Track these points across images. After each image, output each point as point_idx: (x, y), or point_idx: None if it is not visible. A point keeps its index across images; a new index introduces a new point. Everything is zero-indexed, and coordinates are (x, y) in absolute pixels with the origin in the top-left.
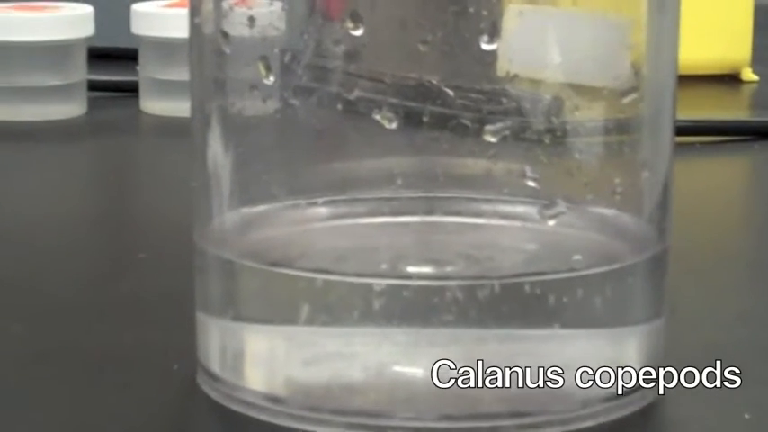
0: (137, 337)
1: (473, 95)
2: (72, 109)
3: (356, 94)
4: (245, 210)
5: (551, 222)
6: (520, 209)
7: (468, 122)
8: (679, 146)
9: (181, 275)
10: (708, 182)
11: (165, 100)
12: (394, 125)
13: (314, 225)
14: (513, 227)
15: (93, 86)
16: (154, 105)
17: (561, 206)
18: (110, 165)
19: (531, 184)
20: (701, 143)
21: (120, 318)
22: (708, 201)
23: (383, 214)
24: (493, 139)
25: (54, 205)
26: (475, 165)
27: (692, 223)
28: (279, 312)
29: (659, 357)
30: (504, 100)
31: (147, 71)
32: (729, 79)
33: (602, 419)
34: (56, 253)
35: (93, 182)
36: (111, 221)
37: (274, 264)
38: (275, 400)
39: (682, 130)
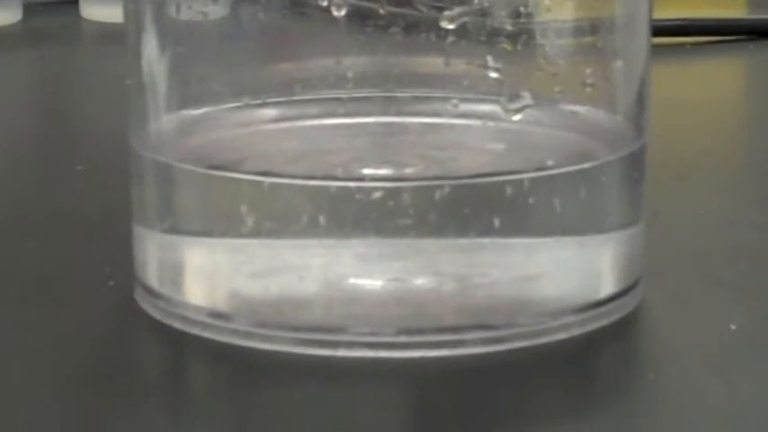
0: (71, 253)
1: None
2: (5, 16)
3: None
4: (185, 112)
5: (516, 117)
6: (484, 107)
7: (423, 9)
8: (669, 47)
9: (120, 188)
10: (699, 84)
11: (107, 5)
12: (343, 12)
13: (260, 127)
14: (476, 126)
15: None
16: (95, 11)
17: (526, 99)
18: (48, 76)
19: (494, 75)
20: (692, 44)
21: (53, 233)
22: (699, 104)
23: (336, 115)
24: (451, 26)
25: None
26: (433, 59)
27: (681, 128)
28: (221, 221)
29: (638, 267)
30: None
31: None
32: None
33: (574, 332)
34: None
35: (30, 94)
36: (49, 134)
37: (215, 167)
38: (219, 315)
39: (672, 29)
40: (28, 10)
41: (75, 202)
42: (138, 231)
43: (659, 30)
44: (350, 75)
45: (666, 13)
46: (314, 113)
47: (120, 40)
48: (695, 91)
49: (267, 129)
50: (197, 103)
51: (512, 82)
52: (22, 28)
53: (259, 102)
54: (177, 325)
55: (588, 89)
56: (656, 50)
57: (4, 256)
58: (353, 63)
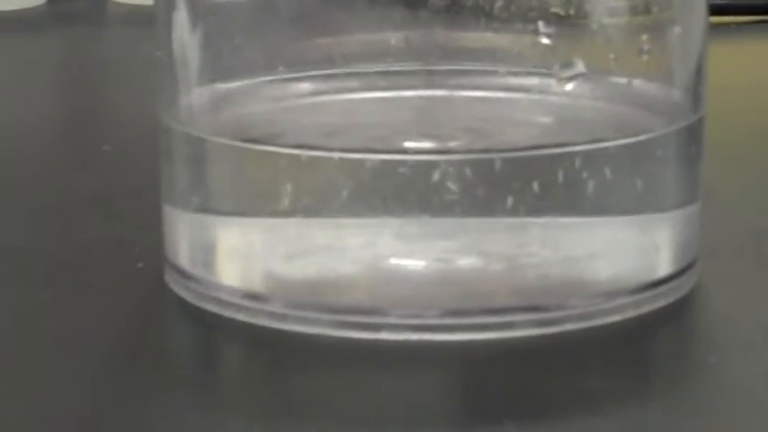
0: (98, 234)
1: None
2: None
3: None
4: (219, 85)
5: (569, 86)
6: (532, 80)
7: None
8: (714, 26)
9: (148, 169)
10: (745, 65)
11: None
12: None
13: (298, 101)
14: (525, 99)
15: None
16: None
17: (579, 66)
18: (74, 58)
19: (545, 41)
20: (738, 23)
21: (81, 214)
22: (747, 84)
23: (377, 89)
24: None
25: (13, 100)
26: (479, 30)
27: (729, 107)
28: (256, 198)
29: (694, 247)
30: None
31: None
32: None
33: (629, 314)
34: (16, 148)
35: (56, 76)
36: (75, 116)
37: (251, 140)
38: (254, 297)
39: (716, 9)
40: None
41: (102, 183)
42: (168, 211)
43: None
44: (392, 47)
45: None
46: (354, 87)
47: (146, 21)
48: (742, 70)
49: (305, 102)
50: (230, 75)
51: (564, 50)
52: (48, 9)
53: (297, 75)
54: (210, 307)
55: (644, 57)
56: None
57: (31, 237)
58: (395, 35)
